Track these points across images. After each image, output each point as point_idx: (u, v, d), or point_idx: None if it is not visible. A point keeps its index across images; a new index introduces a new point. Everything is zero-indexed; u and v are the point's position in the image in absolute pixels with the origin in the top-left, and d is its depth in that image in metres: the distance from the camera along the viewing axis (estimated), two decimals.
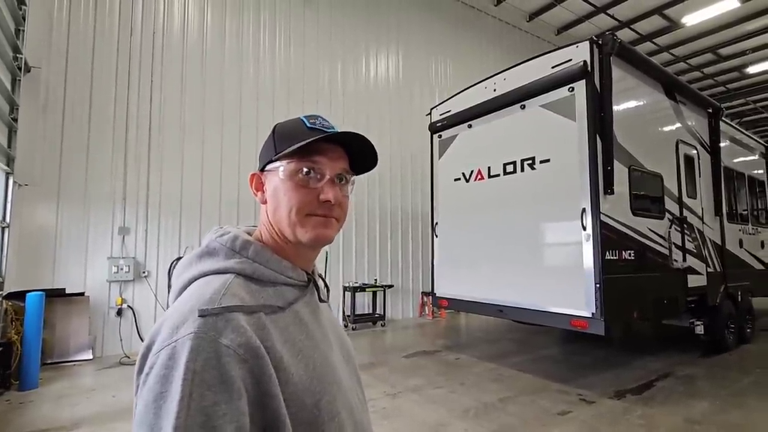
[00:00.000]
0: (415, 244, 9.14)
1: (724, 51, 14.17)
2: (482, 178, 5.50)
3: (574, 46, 4.41)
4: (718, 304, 5.71)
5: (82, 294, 5.54)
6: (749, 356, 5.75)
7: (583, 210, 4.18)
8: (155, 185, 6.26)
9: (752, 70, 15.25)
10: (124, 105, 6.11)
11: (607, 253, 4.10)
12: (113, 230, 5.92)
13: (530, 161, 4.86)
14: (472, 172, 5.66)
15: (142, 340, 5.76)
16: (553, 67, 4.55)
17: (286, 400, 0.61)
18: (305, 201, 0.72)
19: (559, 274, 4.43)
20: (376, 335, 7.23)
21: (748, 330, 6.53)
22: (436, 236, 6.18)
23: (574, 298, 4.20)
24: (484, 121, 5.52)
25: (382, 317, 7.94)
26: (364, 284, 7.98)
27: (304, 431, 0.63)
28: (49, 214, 5.54)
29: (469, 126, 5.71)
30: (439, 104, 6.44)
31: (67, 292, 5.44)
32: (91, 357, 5.44)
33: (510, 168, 5.12)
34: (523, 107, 4.94)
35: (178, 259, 6.23)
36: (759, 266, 7.17)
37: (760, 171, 7.84)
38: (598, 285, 4.01)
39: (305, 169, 0.73)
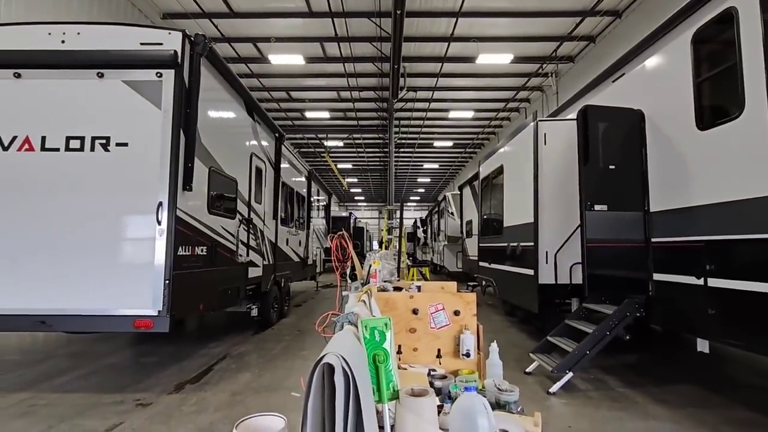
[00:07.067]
0: None
1: (294, 94, 18.31)
2: (32, 149, 4.17)
3: (167, 32, 4.22)
4: (268, 290, 7.10)
5: None
6: (284, 327, 7.49)
7: (160, 204, 4.02)
8: None
9: (309, 115, 20.66)
10: None
11: (180, 248, 4.13)
12: None
13: (104, 141, 4.16)
14: (15, 138, 4.18)
15: None
16: (142, 44, 4.14)
17: None
18: None
19: (127, 273, 4.01)
20: None
21: (286, 307, 8.56)
22: None
23: (141, 297, 3.92)
24: (43, 76, 4.23)
25: None
26: None
27: None
28: None
29: (17, 75, 4.22)
30: None
31: None
32: None
33: (76, 144, 4.17)
34: (101, 75, 4.18)
35: None
36: (296, 259, 9.60)
37: (304, 189, 10.60)
38: (167, 281, 3.93)
39: None
